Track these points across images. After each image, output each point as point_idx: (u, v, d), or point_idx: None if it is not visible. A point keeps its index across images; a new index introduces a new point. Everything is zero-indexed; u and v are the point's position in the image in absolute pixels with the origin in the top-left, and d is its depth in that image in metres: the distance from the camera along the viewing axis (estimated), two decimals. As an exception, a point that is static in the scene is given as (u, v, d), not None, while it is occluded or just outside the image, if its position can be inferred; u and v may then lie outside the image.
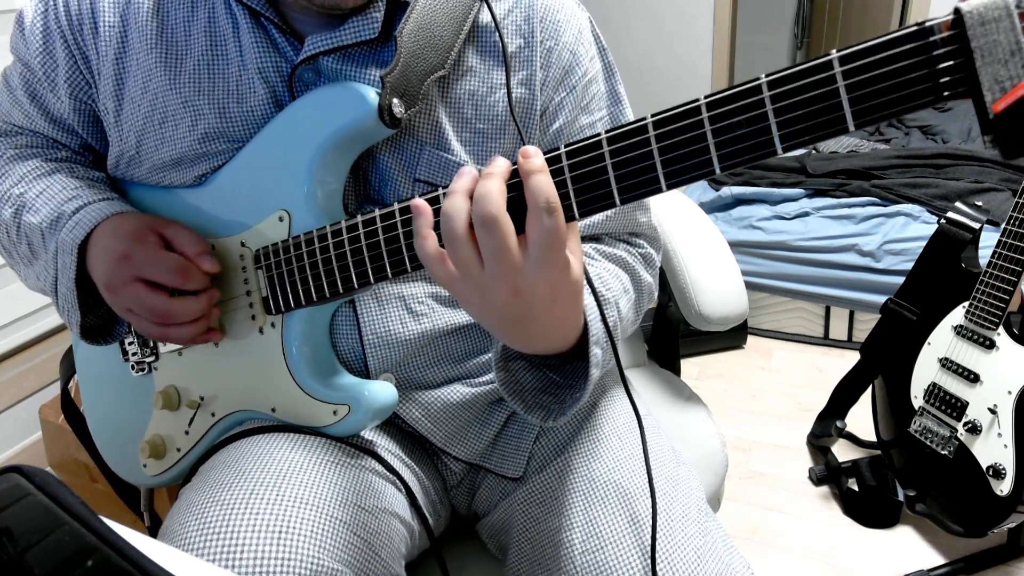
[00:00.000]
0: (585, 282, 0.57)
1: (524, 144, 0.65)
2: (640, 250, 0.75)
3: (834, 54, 0.41)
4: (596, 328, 0.59)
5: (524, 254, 0.47)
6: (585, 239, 0.73)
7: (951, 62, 0.38)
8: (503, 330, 0.53)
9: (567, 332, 0.56)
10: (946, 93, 0.39)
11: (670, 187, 0.46)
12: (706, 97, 0.44)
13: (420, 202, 0.50)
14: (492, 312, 0.50)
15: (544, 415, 0.61)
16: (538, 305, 0.49)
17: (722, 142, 0.44)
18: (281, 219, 0.65)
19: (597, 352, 0.59)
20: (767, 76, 0.42)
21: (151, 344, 0.74)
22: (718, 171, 0.44)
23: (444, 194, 0.50)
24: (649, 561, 0.61)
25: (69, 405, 0.92)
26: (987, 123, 0.38)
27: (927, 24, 0.38)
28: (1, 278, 1.55)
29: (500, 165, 0.49)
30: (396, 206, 0.56)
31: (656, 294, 0.78)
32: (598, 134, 0.48)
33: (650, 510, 0.64)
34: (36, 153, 0.74)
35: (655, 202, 0.80)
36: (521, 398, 0.61)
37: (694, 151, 0.45)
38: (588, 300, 0.58)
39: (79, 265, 0.65)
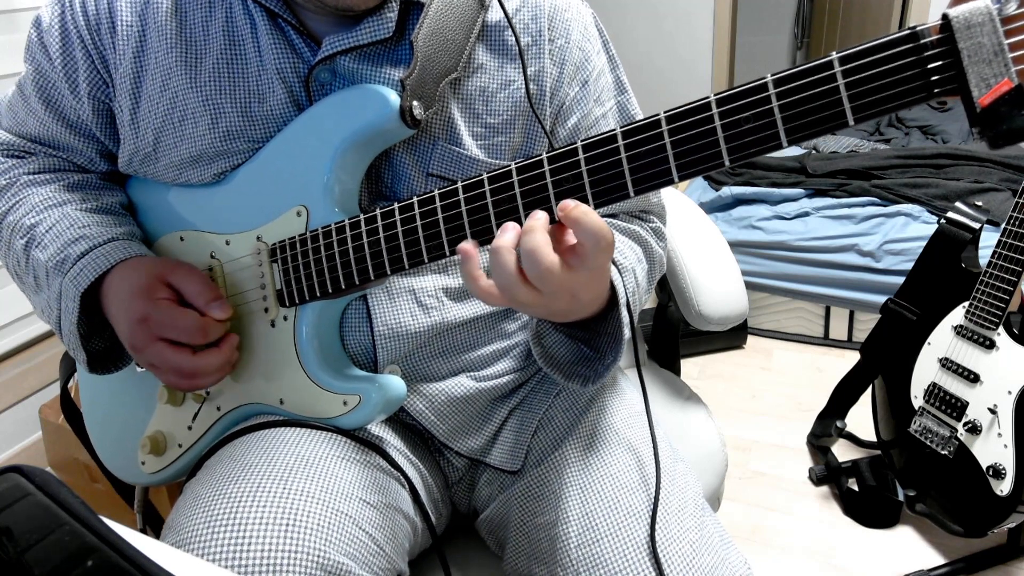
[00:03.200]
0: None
1: (544, 131, 0.70)
2: (651, 224, 0.80)
3: (834, 55, 0.44)
4: (621, 292, 0.64)
5: (577, 268, 0.52)
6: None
7: (940, 62, 0.42)
8: (555, 317, 0.60)
9: (601, 300, 0.63)
10: (936, 90, 0.43)
11: (682, 178, 0.49)
12: (716, 94, 0.47)
13: (466, 247, 0.53)
14: (551, 312, 0.57)
15: (582, 381, 0.67)
16: (586, 294, 0.56)
17: (731, 136, 0.47)
18: (299, 214, 0.66)
19: (625, 313, 0.64)
20: (772, 75, 0.46)
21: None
22: (727, 163, 0.48)
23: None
24: (646, 555, 0.62)
25: (69, 404, 0.92)
26: (974, 116, 0.42)
27: (918, 28, 0.42)
28: (1, 278, 1.55)
29: (540, 218, 0.52)
30: (415, 199, 0.58)
31: (666, 264, 0.82)
32: (613, 130, 0.50)
33: (647, 505, 0.65)
34: (50, 179, 0.74)
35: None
36: (559, 370, 0.68)
37: (705, 144, 0.48)
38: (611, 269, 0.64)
39: (82, 308, 0.67)
